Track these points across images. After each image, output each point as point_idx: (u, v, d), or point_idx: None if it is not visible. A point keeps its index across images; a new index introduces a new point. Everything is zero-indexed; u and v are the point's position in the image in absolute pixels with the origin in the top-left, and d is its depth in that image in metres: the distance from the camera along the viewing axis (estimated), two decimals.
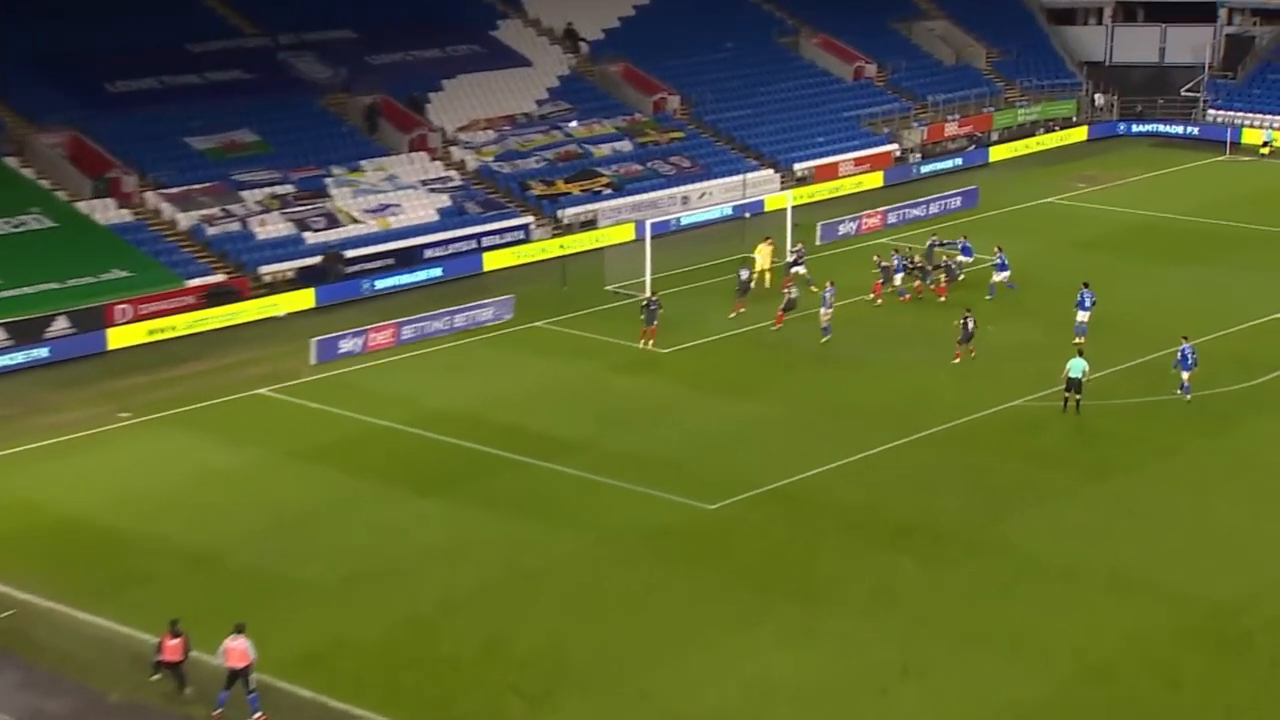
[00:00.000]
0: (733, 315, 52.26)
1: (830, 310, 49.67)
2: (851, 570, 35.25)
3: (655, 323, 49.95)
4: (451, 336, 52.39)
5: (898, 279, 54.06)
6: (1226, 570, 34.89)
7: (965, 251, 56.16)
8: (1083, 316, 49.44)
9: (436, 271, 59.33)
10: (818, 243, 62.04)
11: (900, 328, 51.85)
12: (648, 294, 51.77)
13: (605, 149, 69.14)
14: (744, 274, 53.06)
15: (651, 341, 49.83)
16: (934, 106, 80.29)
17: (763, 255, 56.71)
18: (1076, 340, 48.27)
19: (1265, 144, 78.29)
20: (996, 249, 55.17)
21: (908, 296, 53.84)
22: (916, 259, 55.21)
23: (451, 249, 60.66)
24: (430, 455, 42.28)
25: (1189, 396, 44.36)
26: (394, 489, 40.00)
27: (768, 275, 55.94)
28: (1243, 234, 63.06)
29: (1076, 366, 43.58)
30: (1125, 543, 36.26)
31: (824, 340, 49.77)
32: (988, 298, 53.61)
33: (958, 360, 47.69)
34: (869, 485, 39.80)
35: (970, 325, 48.03)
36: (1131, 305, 52.48)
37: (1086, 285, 50.04)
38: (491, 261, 61.01)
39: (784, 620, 33.11)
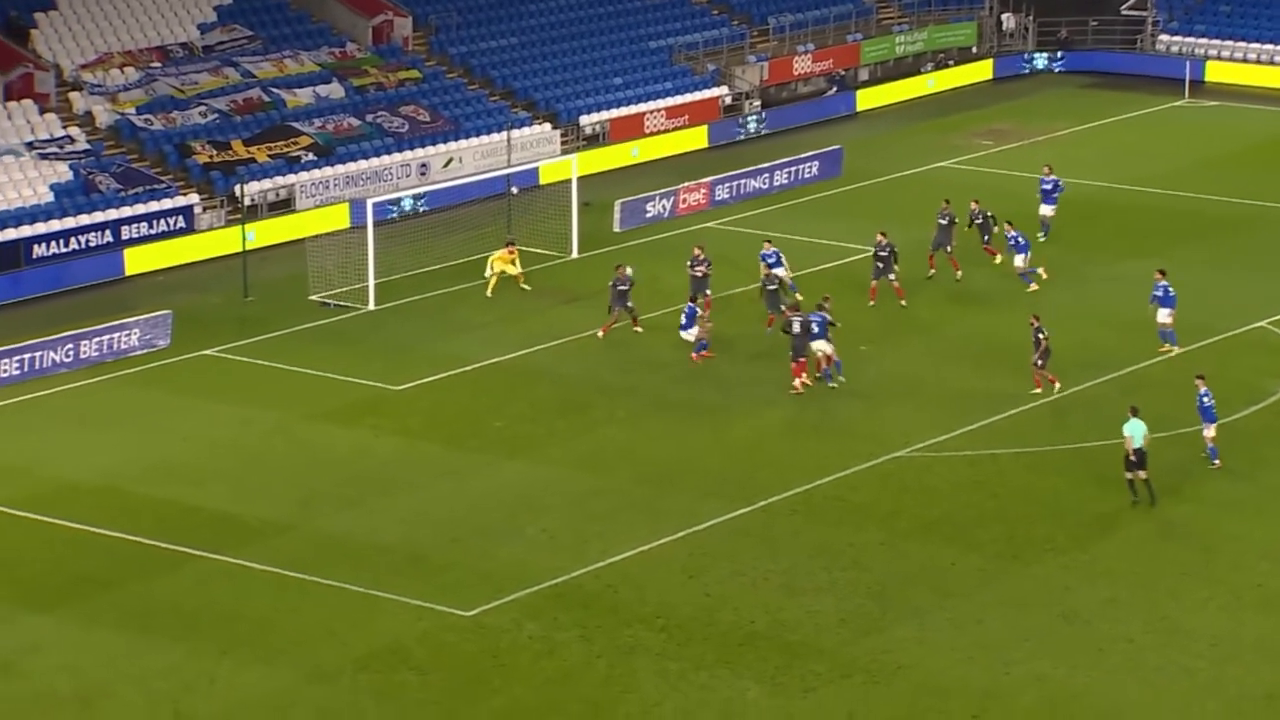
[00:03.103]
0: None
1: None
2: (672, 705, 35.42)
3: (624, 306, 52.95)
4: (78, 374, 51.61)
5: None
6: (1188, 693, 35.80)
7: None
8: (1165, 317, 51.38)
9: (52, 278, 58.60)
10: (616, 229, 62.52)
11: (746, 349, 52.56)
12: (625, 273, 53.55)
13: (305, 96, 68.77)
14: (624, 281, 53.36)
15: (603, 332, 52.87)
16: (778, 33, 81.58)
17: (501, 262, 56.90)
18: (1164, 344, 50.76)
19: None
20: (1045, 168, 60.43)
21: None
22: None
23: (74, 244, 59.90)
24: (48, 550, 41.55)
25: (1217, 463, 44.87)
26: None
27: (518, 278, 56.70)
28: (1211, 211, 65.19)
29: (1139, 432, 42.80)
30: (1056, 657, 37.13)
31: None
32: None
33: (1039, 389, 48.64)
34: (695, 578, 40.10)
35: (1044, 339, 48.64)
36: (1060, 315, 53.88)
37: (1162, 274, 51.88)
38: (137, 262, 60.37)
39: None
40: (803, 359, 49.18)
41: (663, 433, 47.41)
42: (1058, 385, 48.64)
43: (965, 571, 40.35)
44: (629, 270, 53.53)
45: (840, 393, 49.42)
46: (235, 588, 39.80)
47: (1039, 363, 48.57)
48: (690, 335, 51.40)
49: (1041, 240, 59.80)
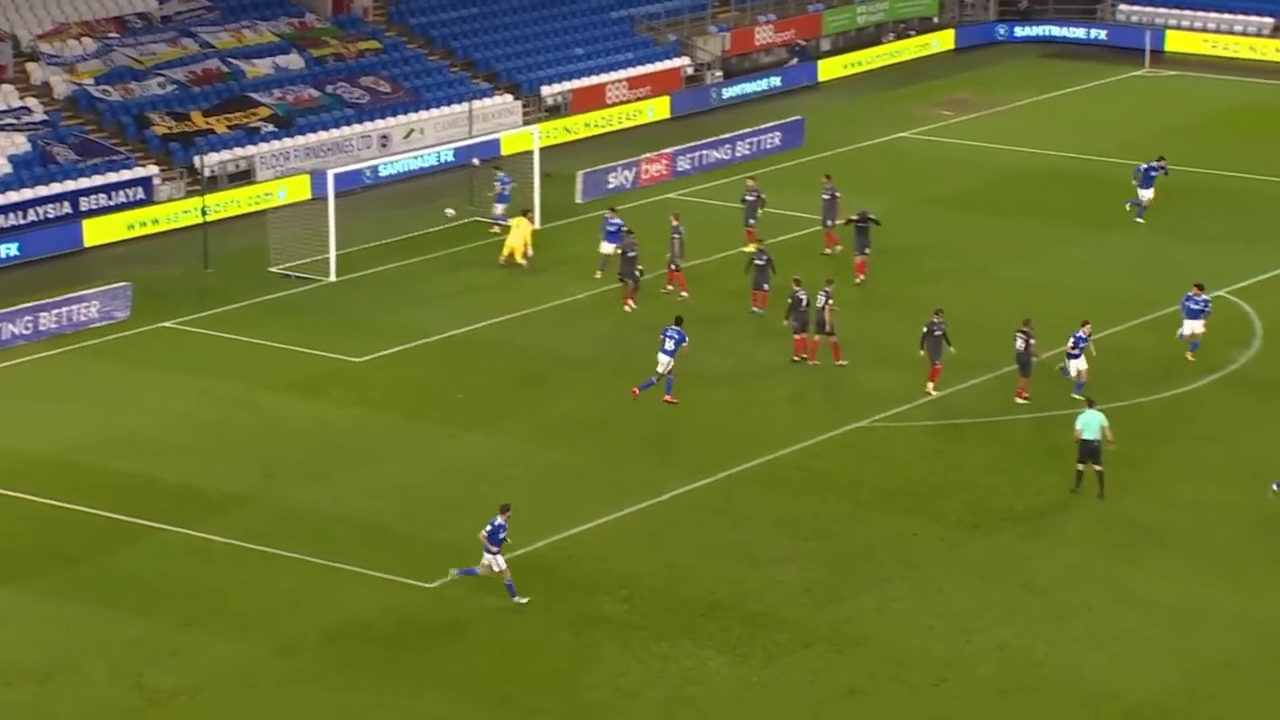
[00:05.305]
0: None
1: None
2: (635, 675, 35.62)
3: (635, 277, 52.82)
4: (36, 346, 51.54)
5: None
6: (1147, 661, 36.12)
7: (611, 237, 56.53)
8: (1194, 328, 49.09)
9: (10, 248, 58.45)
10: (579, 200, 62.55)
11: (712, 317, 52.70)
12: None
13: (263, 66, 68.63)
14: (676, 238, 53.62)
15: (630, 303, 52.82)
16: (739, 3, 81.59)
17: (521, 231, 56.76)
18: (1192, 335, 48.52)
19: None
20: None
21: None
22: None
23: (32, 215, 59.83)
24: (8, 524, 41.56)
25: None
26: None
27: (517, 253, 56.42)
28: (1170, 181, 65.45)
29: (1092, 424, 42.10)
30: (1017, 626, 37.38)
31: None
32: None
33: (1021, 400, 47.03)
34: (657, 549, 40.26)
35: (1032, 345, 46.47)
36: (1019, 288, 54.08)
37: (1200, 289, 49.44)
38: (96, 233, 60.29)
39: None
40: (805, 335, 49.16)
41: (623, 405, 47.50)
42: (1021, 401, 46.89)
43: (926, 541, 40.57)
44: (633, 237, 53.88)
45: (803, 364, 49.49)
46: (197, 560, 39.84)
47: (1021, 371, 47.04)
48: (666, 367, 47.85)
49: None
